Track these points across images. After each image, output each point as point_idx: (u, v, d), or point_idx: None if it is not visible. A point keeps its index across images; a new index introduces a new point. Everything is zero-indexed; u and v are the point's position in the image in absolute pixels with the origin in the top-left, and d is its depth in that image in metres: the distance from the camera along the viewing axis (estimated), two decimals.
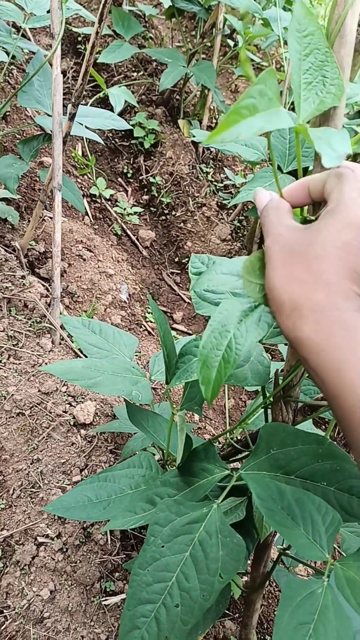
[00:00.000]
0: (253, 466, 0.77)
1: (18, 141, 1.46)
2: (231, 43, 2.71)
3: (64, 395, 1.34)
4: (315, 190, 0.55)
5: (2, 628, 1.12)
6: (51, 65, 1.19)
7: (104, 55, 2.21)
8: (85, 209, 1.92)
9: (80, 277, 1.60)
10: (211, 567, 0.68)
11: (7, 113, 1.83)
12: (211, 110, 2.37)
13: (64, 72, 2.61)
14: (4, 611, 1.14)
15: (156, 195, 2.32)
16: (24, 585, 1.15)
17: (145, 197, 2.33)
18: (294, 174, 1.81)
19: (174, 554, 0.70)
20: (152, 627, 0.67)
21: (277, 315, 0.49)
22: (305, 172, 1.82)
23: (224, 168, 2.45)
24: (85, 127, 1.38)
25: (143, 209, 2.29)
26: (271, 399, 0.83)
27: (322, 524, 0.68)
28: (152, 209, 2.32)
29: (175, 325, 1.97)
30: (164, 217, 2.29)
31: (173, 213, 2.28)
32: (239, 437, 1.06)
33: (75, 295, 1.56)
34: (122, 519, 0.82)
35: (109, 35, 2.46)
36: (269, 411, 0.87)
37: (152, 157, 2.38)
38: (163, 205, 2.30)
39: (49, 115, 1.31)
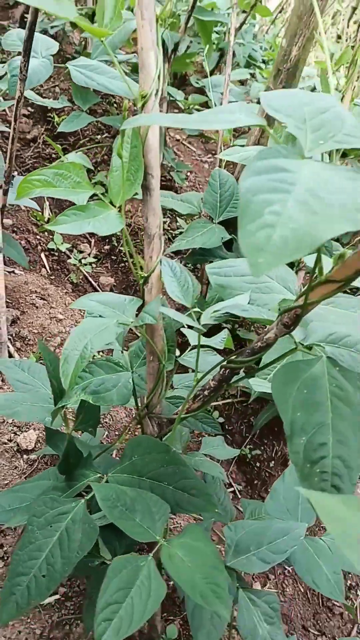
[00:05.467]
0: (118, 470, 0.98)
1: None
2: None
3: (10, 426, 1.56)
4: None
5: None
6: None
7: (63, 125, 2.50)
8: (43, 261, 2.16)
9: (32, 322, 1.83)
10: (72, 546, 0.89)
11: None
12: (162, 166, 2.63)
13: (34, 139, 2.90)
14: None
15: (116, 244, 2.57)
16: None
17: (107, 247, 2.58)
18: (224, 223, 2.06)
19: (46, 537, 0.91)
20: (24, 593, 0.87)
21: None
22: (235, 221, 2.06)
23: (177, 218, 2.70)
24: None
25: (104, 258, 2.53)
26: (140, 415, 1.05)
27: (156, 514, 0.88)
28: (112, 257, 2.56)
29: None
30: (123, 264, 2.53)
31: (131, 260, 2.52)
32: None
33: (27, 339, 1.79)
34: (20, 517, 1.03)
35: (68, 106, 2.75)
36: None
37: None
38: (122, 254, 2.55)
39: None
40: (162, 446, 0.96)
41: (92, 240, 2.56)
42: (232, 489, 2.00)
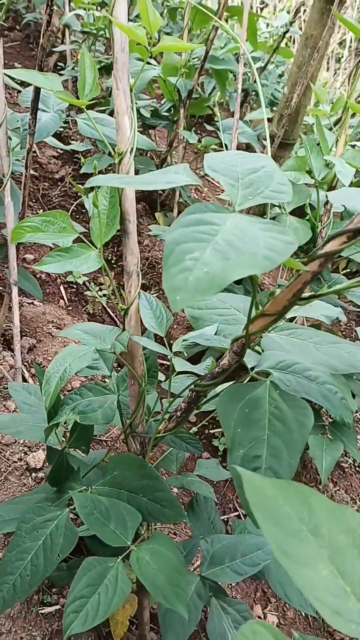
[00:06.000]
0: (102, 483, 1.09)
1: None
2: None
3: (21, 447, 1.68)
4: None
5: None
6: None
7: (86, 166, 2.68)
8: (62, 293, 2.31)
9: (47, 350, 1.97)
10: (54, 549, 0.99)
11: None
12: (180, 204, 2.78)
13: (62, 178, 3.09)
14: None
15: None
16: None
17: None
18: None
19: (32, 541, 1.01)
20: (10, 591, 0.97)
21: None
22: None
23: None
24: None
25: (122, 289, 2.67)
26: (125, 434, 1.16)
27: (128, 522, 0.98)
28: None
29: None
30: None
31: (148, 292, 2.66)
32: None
33: (42, 366, 1.93)
34: (13, 525, 1.14)
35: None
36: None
37: None
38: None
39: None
40: (140, 462, 1.07)
41: (112, 273, 2.71)
42: (237, 513, 2.07)
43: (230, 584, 1.75)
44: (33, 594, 1.48)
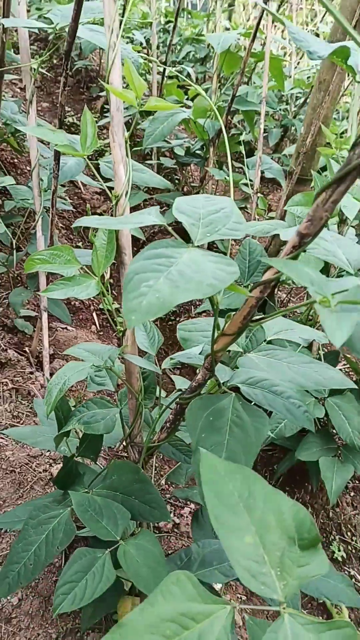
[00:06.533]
0: (101, 487, 1.22)
1: (28, 276, 2.08)
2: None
3: (47, 459, 1.84)
4: None
5: None
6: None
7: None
8: (94, 319, 2.48)
9: None
10: (55, 542, 1.13)
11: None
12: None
13: (103, 213, 3.30)
14: None
15: (176, 321, 2.86)
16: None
17: (170, 323, 2.87)
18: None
19: (37, 535, 1.15)
20: (15, 578, 1.11)
21: None
22: None
23: None
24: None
25: (164, 334, 2.82)
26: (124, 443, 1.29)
27: (119, 520, 1.11)
28: (161, 317, 2.85)
29: None
30: (170, 322, 2.81)
31: (177, 319, 2.80)
32: None
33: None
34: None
35: None
36: None
37: None
38: (169, 313, 2.83)
39: None
40: (134, 468, 1.19)
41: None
42: None
43: (227, 586, 1.83)
44: (51, 594, 1.61)
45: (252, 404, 0.96)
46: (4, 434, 1.87)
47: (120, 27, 1.05)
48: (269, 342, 1.20)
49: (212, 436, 0.91)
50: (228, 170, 2.90)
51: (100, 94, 4.05)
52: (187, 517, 1.97)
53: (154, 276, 0.74)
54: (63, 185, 3.23)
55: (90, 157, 1.19)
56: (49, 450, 1.86)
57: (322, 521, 2.15)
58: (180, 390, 1.28)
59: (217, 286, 0.71)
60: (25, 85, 1.66)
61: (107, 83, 1.05)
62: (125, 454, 2.01)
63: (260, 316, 0.89)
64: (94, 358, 1.17)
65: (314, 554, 0.69)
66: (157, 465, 2.05)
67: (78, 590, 0.99)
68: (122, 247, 1.15)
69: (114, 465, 1.23)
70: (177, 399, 1.11)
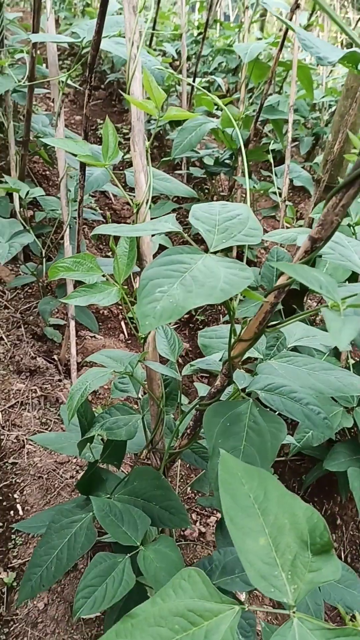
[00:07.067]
0: (123, 492, 1.23)
1: (57, 285, 2.11)
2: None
3: (74, 465, 1.86)
4: None
5: (11, 628, 1.58)
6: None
7: (152, 211, 2.90)
8: (122, 328, 2.51)
9: None
10: (76, 547, 1.14)
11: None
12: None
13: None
14: (14, 617, 1.60)
15: (194, 313, 2.87)
16: (28, 599, 1.62)
17: (186, 315, 2.88)
18: None
19: (60, 539, 1.16)
20: (37, 581, 1.13)
21: None
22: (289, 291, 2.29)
23: None
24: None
25: (183, 326, 2.83)
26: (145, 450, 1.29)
27: (139, 525, 1.11)
28: (190, 325, 2.86)
29: None
30: (199, 330, 2.82)
31: (206, 327, 2.81)
32: None
33: (97, 392, 2.11)
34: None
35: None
36: None
37: None
38: (198, 322, 2.84)
39: None
40: (155, 474, 1.20)
41: (179, 324, 2.89)
42: None
43: (254, 597, 1.81)
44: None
45: (275, 413, 0.96)
46: (32, 440, 1.90)
47: (141, 39, 1.07)
48: (294, 350, 1.20)
49: (229, 441, 0.91)
50: (255, 179, 2.91)
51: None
52: (212, 525, 1.96)
53: (168, 282, 0.75)
54: (93, 196, 3.28)
55: (119, 167, 1.21)
56: (75, 457, 1.88)
57: (351, 533, 2.12)
58: (202, 397, 1.28)
59: (229, 291, 0.71)
60: (53, 99, 1.70)
61: (128, 94, 1.07)
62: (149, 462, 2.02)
63: (276, 322, 0.89)
64: (116, 364, 1.18)
65: (326, 560, 0.69)
66: (183, 473, 2.05)
67: (98, 594, 1.00)
68: (143, 255, 1.16)
69: (136, 471, 1.24)
70: (197, 406, 1.11)
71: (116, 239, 1.14)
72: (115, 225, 0.93)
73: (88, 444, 1.35)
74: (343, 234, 0.94)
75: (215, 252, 0.83)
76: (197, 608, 0.63)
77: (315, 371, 1.09)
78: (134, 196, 1.16)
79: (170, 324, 1.30)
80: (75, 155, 1.15)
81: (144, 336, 1.21)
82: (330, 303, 0.68)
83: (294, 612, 0.64)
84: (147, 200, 1.13)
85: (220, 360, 1.14)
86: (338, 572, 0.68)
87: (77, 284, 1.95)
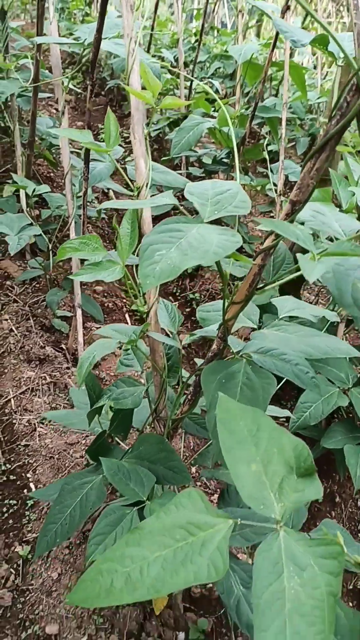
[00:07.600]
0: (129, 456, 1.32)
1: (64, 278, 2.21)
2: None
3: (83, 446, 1.95)
4: None
5: (27, 597, 1.67)
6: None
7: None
8: (127, 320, 2.61)
9: (110, 367, 2.25)
10: (88, 504, 1.23)
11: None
12: None
13: None
14: (29, 587, 1.69)
15: (195, 307, 2.96)
16: (42, 570, 1.71)
17: (188, 309, 2.98)
18: None
19: (72, 499, 1.26)
20: (52, 536, 1.22)
21: None
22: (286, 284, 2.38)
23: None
24: None
25: (186, 319, 2.93)
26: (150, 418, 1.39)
27: (145, 482, 1.21)
28: (192, 318, 2.95)
29: None
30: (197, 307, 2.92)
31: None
32: None
33: (104, 380, 2.21)
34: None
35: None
36: None
37: (195, 279, 3.06)
38: (194, 302, 2.94)
39: None
40: (159, 439, 1.29)
41: (176, 304, 2.98)
42: None
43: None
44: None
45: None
46: (43, 423, 2.00)
47: (137, 41, 1.17)
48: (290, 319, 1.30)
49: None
50: (252, 176, 3.01)
51: None
52: (216, 503, 2.05)
53: (165, 246, 0.84)
54: (97, 198, 3.39)
55: (120, 167, 1.31)
56: (85, 437, 1.97)
57: (350, 510, 2.20)
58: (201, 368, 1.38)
59: (221, 253, 0.81)
60: (57, 99, 1.80)
61: (128, 85, 1.17)
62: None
63: (263, 284, 0.99)
64: (120, 336, 1.28)
65: (310, 482, 0.78)
66: (187, 454, 2.14)
67: (108, 541, 1.09)
68: (144, 235, 1.26)
69: (141, 437, 1.33)
70: (197, 371, 1.21)
71: (115, 218, 1.24)
72: (119, 201, 1.03)
73: (97, 415, 1.45)
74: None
75: (209, 223, 0.92)
76: (195, 521, 0.73)
77: (304, 337, 1.18)
78: (134, 196, 1.26)
79: (171, 301, 1.40)
80: (80, 151, 1.25)
81: (146, 311, 1.31)
82: (310, 257, 0.77)
83: (280, 526, 0.73)
84: (147, 184, 1.23)
85: (217, 329, 1.23)
86: (319, 492, 0.77)
87: None
